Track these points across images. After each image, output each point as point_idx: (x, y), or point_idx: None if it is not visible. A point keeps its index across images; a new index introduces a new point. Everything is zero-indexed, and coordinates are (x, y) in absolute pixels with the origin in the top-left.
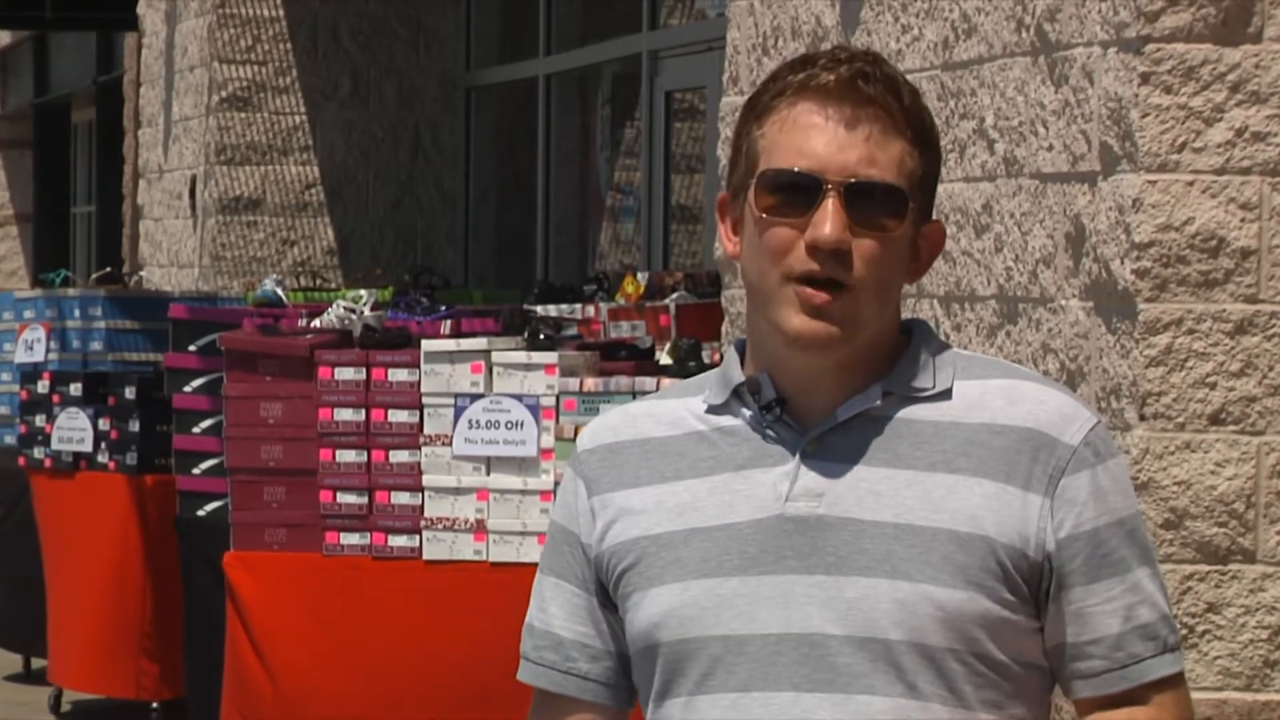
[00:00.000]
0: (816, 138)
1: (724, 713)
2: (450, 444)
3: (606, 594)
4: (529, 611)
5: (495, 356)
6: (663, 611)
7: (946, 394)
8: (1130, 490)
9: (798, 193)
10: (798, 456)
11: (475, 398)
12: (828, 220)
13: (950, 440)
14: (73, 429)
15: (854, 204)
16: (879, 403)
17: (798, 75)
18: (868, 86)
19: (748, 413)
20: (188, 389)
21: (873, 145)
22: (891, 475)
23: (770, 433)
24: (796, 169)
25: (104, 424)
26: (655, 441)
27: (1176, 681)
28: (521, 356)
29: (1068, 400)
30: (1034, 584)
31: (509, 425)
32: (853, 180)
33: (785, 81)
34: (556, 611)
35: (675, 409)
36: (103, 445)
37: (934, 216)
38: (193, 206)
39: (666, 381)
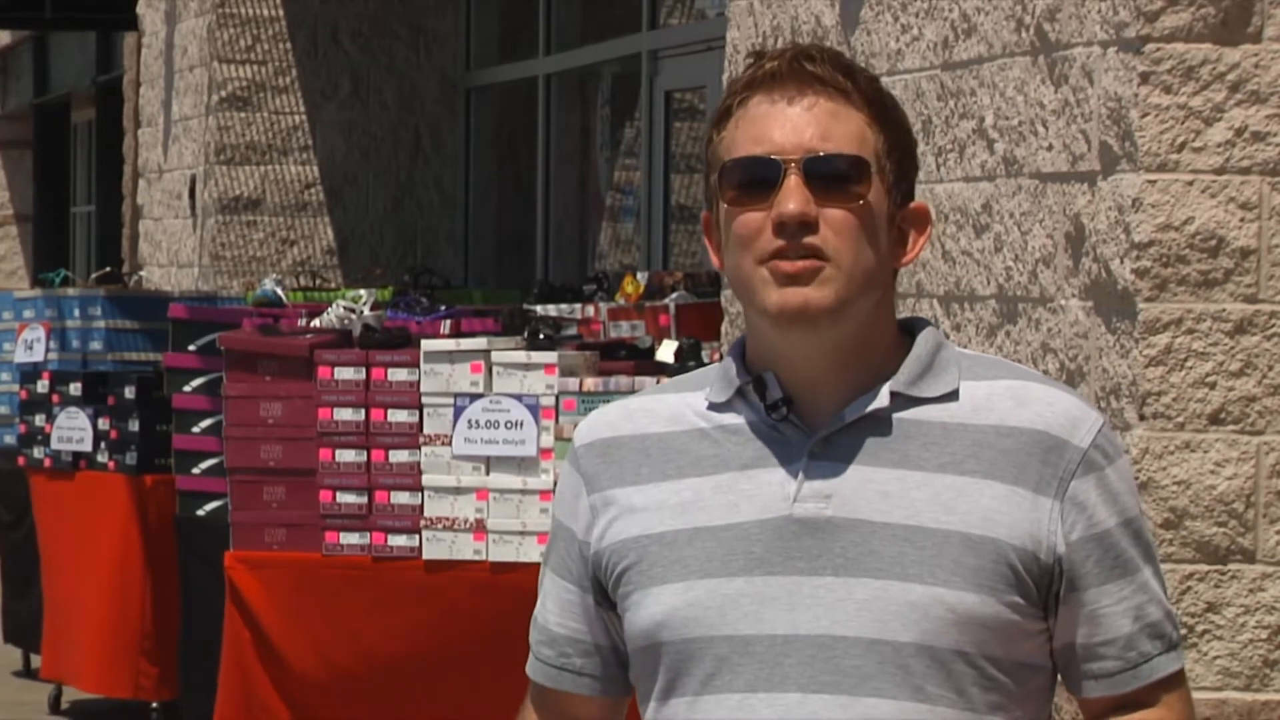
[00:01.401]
0: (769, 124)
1: (730, 713)
2: (450, 444)
3: (604, 591)
4: (536, 604)
5: (495, 356)
6: (665, 611)
7: (953, 395)
8: (1135, 489)
9: (760, 178)
10: (805, 457)
11: (475, 397)
12: (790, 196)
13: (959, 442)
14: (72, 429)
15: (815, 177)
16: (886, 404)
17: (746, 73)
18: (813, 66)
19: (752, 412)
20: (187, 389)
21: (825, 119)
22: (901, 477)
23: (776, 433)
24: (754, 155)
25: (104, 424)
26: (655, 438)
27: (1181, 679)
28: (521, 356)
29: (1075, 401)
30: (1044, 586)
31: (509, 425)
32: (810, 155)
33: (736, 82)
34: (551, 606)
35: (675, 404)
36: (102, 445)
37: (917, 201)
38: (192, 206)
39: (666, 382)
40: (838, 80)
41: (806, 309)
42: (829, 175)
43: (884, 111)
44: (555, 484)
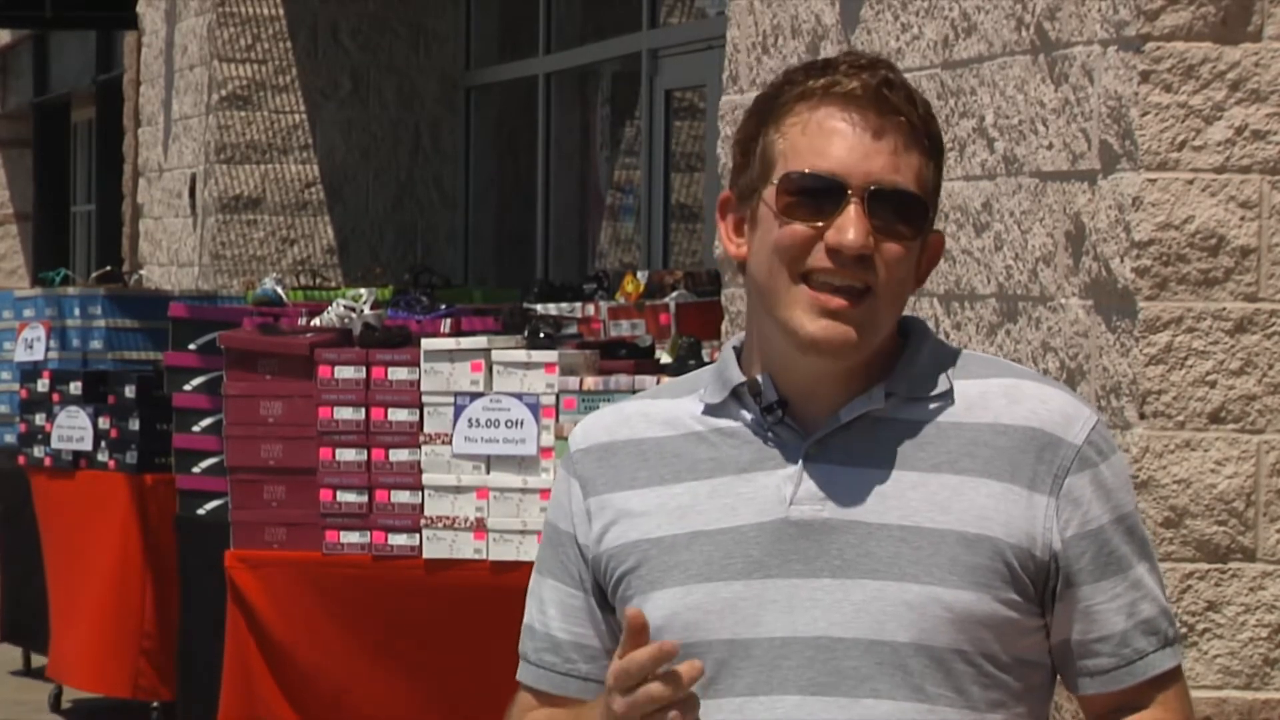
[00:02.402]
0: (840, 143)
1: (729, 716)
2: (450, 442)
3: (604, 595)
4: (527, 613)
5: (495, 355)
6: (665, 615)
7: (948, 394)
8: (1130, 486)
9: (820, 196)
10: (801, 459)
11: (475, 396)
12: (851, 225)
13: (954, 441)
14: (73, 428)
15: (876, 211)
16: (881, 405)
17: (818, 80)
18: (893, 95)
19: (747, 414)
20: (187, 388)
21: (897, 155)
22: (896, 477)
23: (772, 435)
24: (822, 172)
25: (104, 423)
26: (651, 442)
27: (1178, 675)
28: (521, 355)
29: (1069, 399)
30: (1040, 583)
31: (509, 424)
32: (876, 187)
33: (805, 86)
34: (554, 613)
35: (671, 408)
36: (103, 444)
37: (937, 230)
38: (192, 205)
39: (666, 381)
40: (910, 112)
41: (846, 344)
42: (890, 211)
43: (935, 143)
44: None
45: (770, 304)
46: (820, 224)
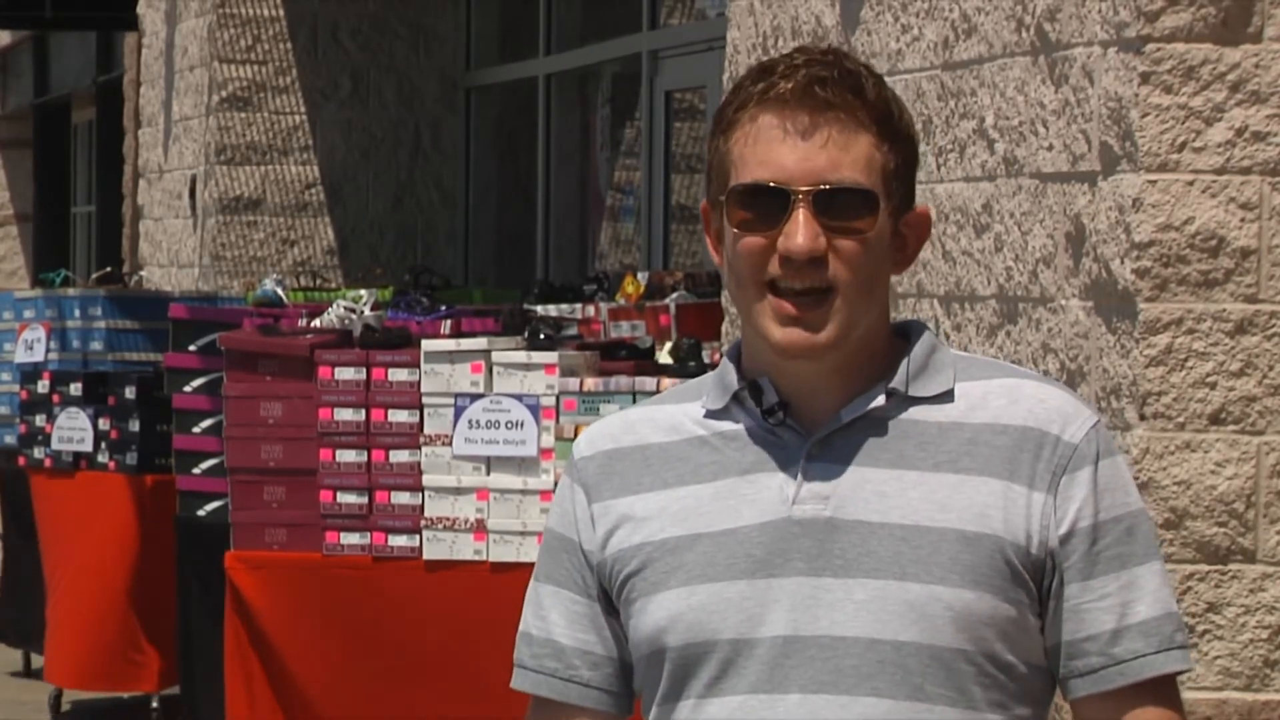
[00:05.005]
0: (779, 149)
1: (731, 714)
2: (450, 444)
3: (609, 600)
4: (524, 620)
5: (495, 356)
6: (669, 616)
7: (948, 395)
8: (1130, 487)
9: (768, 205)
10: (803, 459)
11: (475, 397)
12: (799, 230)
13: (954, 440)
14: (73, 429)
15: (825, 210)
16: (882, 404)
17: (757, 86)
18: (824, 91)
19: (749, 417)
20: (188, 389)
21: (835, 149)
22: (898, 476)
23: (773, 436)
24: (763, 182)
25: (104, 424)
26: (655, 448)
27: (1175, 687)
28: (521, 356)
29: (1068, 398)
30: (1039, 581)
31: (509, 425)
32: (821, 187)
33: (746, 93)
34: (557, 619)
35: (674, 414)
36: (103, 445)
37: (920, 206)
38: (193, 206)
39: (667, 381)
40: (848, 102)
41: (812, 349)
42: (838, 208)
43: (891, 125)
44: (555, 486)
45: (744, 314)
46: (772, 233)
